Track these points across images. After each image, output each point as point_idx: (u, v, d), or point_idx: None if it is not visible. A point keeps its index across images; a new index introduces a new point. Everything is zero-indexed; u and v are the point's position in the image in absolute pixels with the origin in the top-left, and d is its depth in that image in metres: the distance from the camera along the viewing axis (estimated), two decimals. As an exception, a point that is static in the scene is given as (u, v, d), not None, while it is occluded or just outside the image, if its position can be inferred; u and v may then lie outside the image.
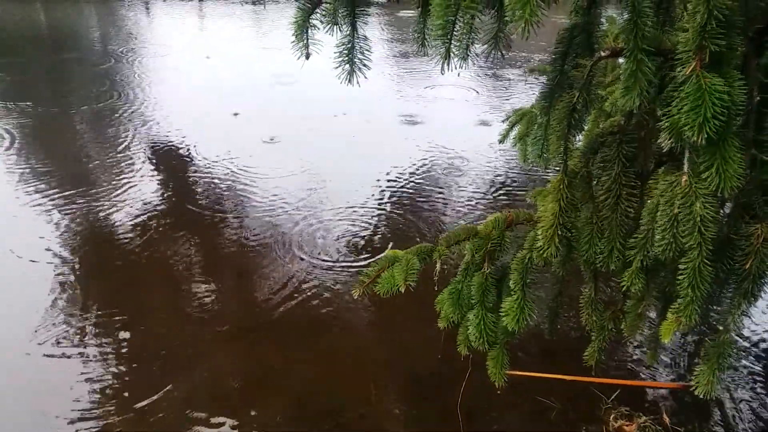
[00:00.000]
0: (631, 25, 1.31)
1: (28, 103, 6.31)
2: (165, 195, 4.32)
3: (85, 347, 2.78)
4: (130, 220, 3.91)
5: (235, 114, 6.08)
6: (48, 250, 3.56)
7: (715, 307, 1.70)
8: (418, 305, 2.21)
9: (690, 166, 1.31)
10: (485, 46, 1.49)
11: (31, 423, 2.41)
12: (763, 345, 2.85)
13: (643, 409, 2.45)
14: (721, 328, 1.58)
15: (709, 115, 1.18)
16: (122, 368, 2.66)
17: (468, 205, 4.26)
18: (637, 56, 1.31)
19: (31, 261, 3.46)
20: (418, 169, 4.80)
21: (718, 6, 1.15)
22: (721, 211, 1.44)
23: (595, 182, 1.64)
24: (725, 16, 1.17)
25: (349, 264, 3.48)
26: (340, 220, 3.98)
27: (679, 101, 1.22)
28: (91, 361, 2.69)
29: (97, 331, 2.89)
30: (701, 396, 1.59)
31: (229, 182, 4.53)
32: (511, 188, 4.53)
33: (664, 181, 1.38)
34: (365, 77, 1.79)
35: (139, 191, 4.34)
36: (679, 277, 1.37)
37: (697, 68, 1.20)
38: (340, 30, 1.77)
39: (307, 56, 1.80)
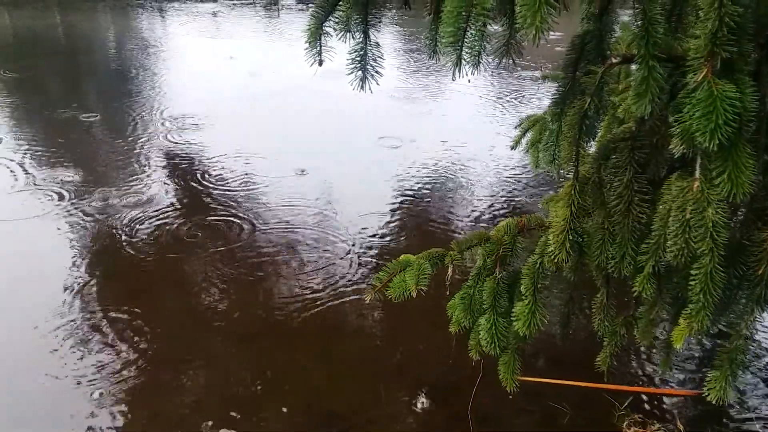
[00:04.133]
0: (642, 32, 1.32)
1: (42, 105, 6.41)
2: (178, 198, 4.36)
3: (95, 350, 2.81)
4: (143, 223, 3.95)
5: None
6: (59, 252, 3.61)
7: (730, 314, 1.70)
8: (430, 310, 2.22)
9: (702, 172, 1.31)
10: (496, 53, 1.50)
11: (42, 423, 2.44)
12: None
13: (656, 417, 2.44)
14: (733, 334, 1.57)
15: (720, 122, 1.18)
16: (132, 371, 2.68)
17: (480, 209, 4.27)
18: (648, 63, 1.32)
19: (41, 263, 3.52)
20: (431, 173, 4.82)
21: (729, 13, 1.16)
22: (734, 217, 1.44)
23: (606, 188, 1.64)
24: (736, 23, 1.17)
25: (361, 268, 3.50)
26: (352, 226, 4.00)
27: (690, 107, 1.22)
28: (100, 363, 2.72)
29: (107, 333, 2.92)
30: (714, 402, 1.59)
31: (243, 185, 4.56)
32: (523, 194, 4.53)
33: (675, 186, 1.39)
34: (377, 84, 1.80)
35: (152, 193, 4.38)
36: (691, 283, 1.36)
37: (709, 75, 1.21)
38: (352, 37, 1.79)
39: (320, 63, 1.82)
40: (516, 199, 4.46)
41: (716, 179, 1.27)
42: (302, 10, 12.39)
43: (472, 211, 4.27)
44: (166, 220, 4.02)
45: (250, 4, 13.02)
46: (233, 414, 2.46)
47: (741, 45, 1.21)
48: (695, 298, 1.37)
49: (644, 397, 2.56)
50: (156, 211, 4.14)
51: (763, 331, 2.92)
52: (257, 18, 12.10)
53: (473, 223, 4.08)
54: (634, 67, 1.42)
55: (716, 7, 1.17)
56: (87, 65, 8.63)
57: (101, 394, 2.55)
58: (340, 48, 1.85)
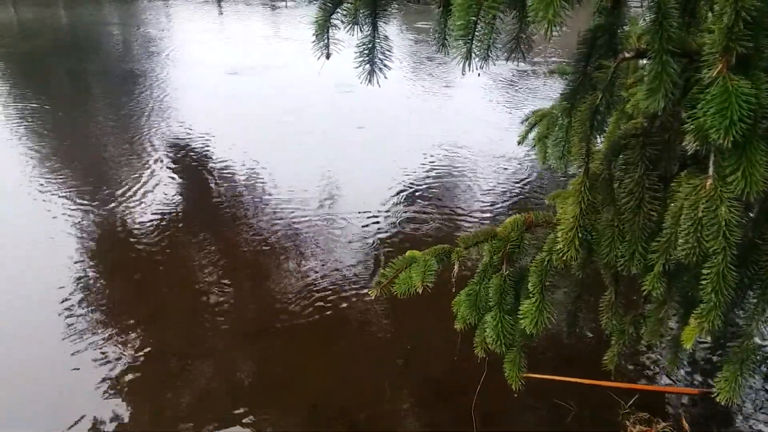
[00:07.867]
0: (656, 26, 1.29)
1: (48, 101, 6.41)
2: (183, 194, 4.35)
3: (101, 345, 2.80)
4: (149, 219, 3.94)
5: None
6: (65, 247, 3.61)
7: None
8: (435, 307, 2.20)
9: (715, 169, 1.29)
10: (506, 46, 1.48)
11: (44, 417, 2.43)
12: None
13: (662, 415, 2.42)
14: (744, 334, 1.55)
15: (735, 118, 1.16)
16: (139, 367, 2.68)
17: (487, 205, 4.25)
18: (662, 57, 1.29)
19: (48, 257, 3.51)
20: (436, 169, 4.80)
21: (745, 7, 1.13)
22: (747, 215, 1.42)
23: (617, 185, 1.61)
24: (753, 18, 1.14)
25: (365, 264, 3.49)
26: (356, 219, 3.98)
27: (704, 103, 1.20)
28: (107, 359, 2.72)
29: (114, 329, 2.91)
30: (723, 402, 1.57)
31: (247, 180, 4.55)
32: (530, 190, 4.51)
33: (688, 184, 1.36)
34: (385, 77, 1.78)
35: (158, 190, 4.37)
36: (703, 282, 1.34)
37: (724, 70, 1.18)
38: (361, 30, 1.77)
39: (328, 56, 1.80)
40: (523, 194, 4.43)
41: (730, 177, 1.25)
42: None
43: (479, 206, 4.25)
44: (171, 215, 4.01)
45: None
46: (238, 411, 2.45)
47: (757, 40, 1.18)
48: (706, 298, 1.34)
49: (650, 396, 2.54)
50: (160, 205, 4.13)
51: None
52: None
53: (480, 218, 4.06)
54: (646, 61, 1.39)
55: (732, 1, 1.14)
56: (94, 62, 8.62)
57: (104, 388, 2.55)
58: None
